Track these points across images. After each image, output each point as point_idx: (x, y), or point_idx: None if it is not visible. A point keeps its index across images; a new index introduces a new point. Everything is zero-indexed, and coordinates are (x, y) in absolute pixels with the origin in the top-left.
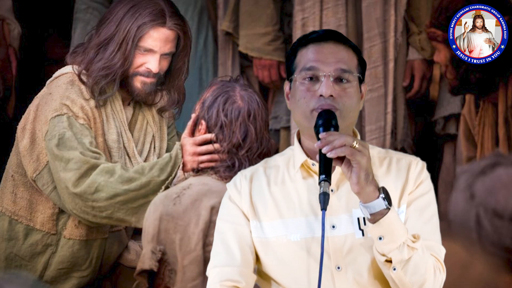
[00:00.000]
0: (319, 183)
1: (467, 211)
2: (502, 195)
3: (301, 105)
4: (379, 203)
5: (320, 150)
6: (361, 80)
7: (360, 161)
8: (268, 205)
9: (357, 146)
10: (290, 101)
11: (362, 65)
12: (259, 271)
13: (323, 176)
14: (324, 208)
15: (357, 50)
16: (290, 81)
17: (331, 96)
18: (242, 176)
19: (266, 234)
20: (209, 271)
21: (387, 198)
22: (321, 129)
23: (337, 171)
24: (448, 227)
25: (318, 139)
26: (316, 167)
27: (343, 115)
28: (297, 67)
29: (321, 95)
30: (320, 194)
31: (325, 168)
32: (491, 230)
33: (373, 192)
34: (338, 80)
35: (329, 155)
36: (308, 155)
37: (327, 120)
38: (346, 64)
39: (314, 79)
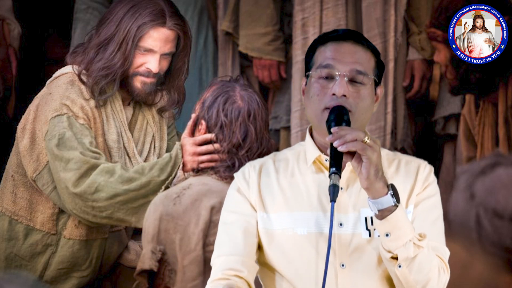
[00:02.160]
0: (329, 175)
1: (467, 211)
2: (502, 195)
3: (314, 102)
4: (388, 200)
5: (331, 144)
6: (377, 83)
7: (370, 156)
8: (276, 196)
9: (368, 141)
10: (305, 97)
11: (379, 68)
12: (264, 262)
13: (334, 169)
14: (333, 199)
15: (376, 52)
16: (307, 76)
17: (344, 96)
18: (251, 167)
19: (272, 225)
20: (213, 261)
21: (396, 195)
22: (333, 123)
23: (347, 170)
24: (448, 227)
25: (330, 133)
26: (328, 163)
27: (355, 116)
28: (314, 63)
29: (334, 94)
30: (330, 186)
31: (336, 161)
32: (491, 230)
33: (382, 188)
34: (353, 81)
35: (340, 149)
36: (321, 151)
37: (339, 115)
38: (362, 66)
39: (329, 78)
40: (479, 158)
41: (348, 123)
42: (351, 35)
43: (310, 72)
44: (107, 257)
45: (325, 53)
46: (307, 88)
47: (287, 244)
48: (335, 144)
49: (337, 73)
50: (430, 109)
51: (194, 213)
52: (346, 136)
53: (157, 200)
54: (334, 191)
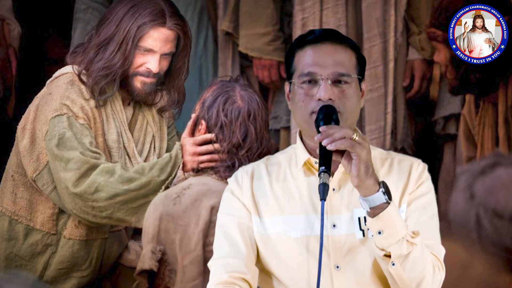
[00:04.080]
0: (319, 174)
1: (467, 211)
2: (502, 195)
3: (300, 108)
4: (379, 197)
5: (320, 143)
6: (360, 79)
7: (360, 153)
8: (269, 201)
9: (357, 138)
10: (290, 103)
11: (361, 63)
12: (260, 267)
13: (323, 167)
14: (323, 198)
15: (356, 48)
16: (290, 83)
17: (330, 99)
18: (243, 172)
19: (266, 230)
20: (212, 263)
21: (387, 192)
22: (321, 122)
23: (339, 171)
24: (448, 227)
25: (319, 132)
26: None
27: (344, 117)
28: (295, 70)
29: (319, 99)
30: (319, 185)
31: (325, 160)
32: (491, 230)
33: (373, 185)
34: (337, 82)
35: (329, 147)
36: (311, 154)
37: (327, 114)
38: (343, 67)
39: (312, 82)
40: (479, 158)
41: (336, 122)
42: (328, 35)
43: (292, 81)
44: (107, 257)
45: (305, 59)
46: (291, 94)
47: (282, 248)
48: (323, 143)
49: (319, 77)
50: (430, 109)
51: (194, 213)
52: (335, 135)
53: (157, 200)
54: (324, 189)
